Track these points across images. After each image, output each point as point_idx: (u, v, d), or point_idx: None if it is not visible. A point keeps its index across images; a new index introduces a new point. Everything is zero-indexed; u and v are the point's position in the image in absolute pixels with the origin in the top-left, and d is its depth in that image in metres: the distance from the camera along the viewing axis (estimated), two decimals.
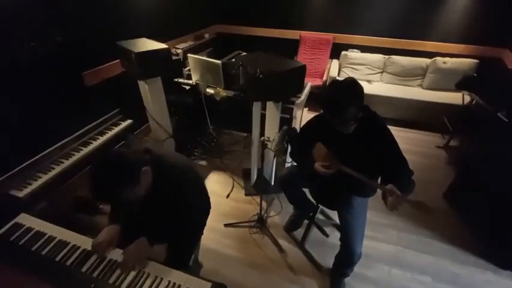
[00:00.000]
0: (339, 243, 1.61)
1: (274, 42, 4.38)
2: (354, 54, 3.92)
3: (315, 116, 1.62)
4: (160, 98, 2.44)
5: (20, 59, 1.82)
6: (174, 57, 2.90)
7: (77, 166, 1.95)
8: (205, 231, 1.43)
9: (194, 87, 2.67)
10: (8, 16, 1.72)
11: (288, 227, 2.20)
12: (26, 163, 1.72)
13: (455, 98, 3.31)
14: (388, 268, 1.93)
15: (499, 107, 2.50)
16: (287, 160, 2.41)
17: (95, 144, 2.06)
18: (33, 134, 1.89)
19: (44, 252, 1.14)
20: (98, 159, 1.03)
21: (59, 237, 1.20)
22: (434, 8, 3.56)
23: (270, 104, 2.11)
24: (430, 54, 3.70)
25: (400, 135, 3.36)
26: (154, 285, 1.04)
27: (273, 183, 2.51)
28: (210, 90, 2.61)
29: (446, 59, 3.57)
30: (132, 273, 1.08)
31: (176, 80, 2.76)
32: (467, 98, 3.12)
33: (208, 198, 1.41)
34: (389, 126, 1.43)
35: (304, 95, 2.42)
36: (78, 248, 1.16)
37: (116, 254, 1.15)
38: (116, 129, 2.24)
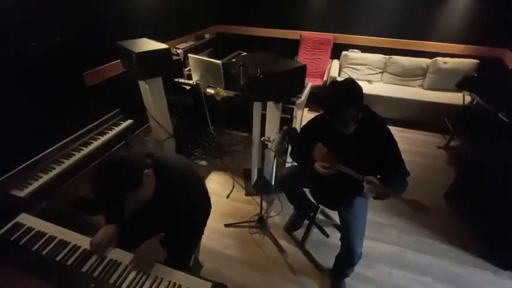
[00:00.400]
0: (339, 243, 1.61)
1: (274, 42, 4.39)
2: (354, 55, 3.92)
3: (315, 116, 1.62)
4: (160, 98, 2.44)
5: (21, 59, 1.82)
6: (174, 57, 2.90)
7: (77, 166, 1.95)
8: (205, 231, 1.42)
9: (195, 87, 2.67)
10: (8, 16, 1.73)
11: (288, 227, 2.19)
12: (27, 163, 1.72)
13: (455, 98, 3.31)
14: (388, 268, 1.93)
15: (499, 107, 2.50)
16: (287, 160, 2.41)
17: (95, 144, 2.06)
18: (34, 133, 1.88)
19: (44, 252, 1.14)
20: (100, 165, 1.03)
21: (60, 237, 1.20)
22: (435, 8, 3.56)
23: (270, 104, 2.11)
24: (430, 55, 3.70)
25: (401, 135, 3.36)
26: (154, 285, 1.04)
27: (273, 184, 2.51)
28: (210, 90, 2.61)
29: (447, 59, 3.57)
30: (133, 273, 1.08)
31: (177, 80, 2.76)
32: (467, 98, 3.11)
33: (209, 198, 1.41)
34: (389, 127, 1.43)
35: (304, 95, 2.42)
36: (79, 248, 1.16)
37: (116, 254, 1.15)
38: (117, 129, 2.24)
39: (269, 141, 1.88)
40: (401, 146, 1.40)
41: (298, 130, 1.81)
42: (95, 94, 2.42)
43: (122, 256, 1.15)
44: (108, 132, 2.19)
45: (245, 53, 3.07)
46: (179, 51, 3.34)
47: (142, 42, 2.22)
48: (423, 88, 3.76)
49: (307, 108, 3.02)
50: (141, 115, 2.59)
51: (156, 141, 2.71)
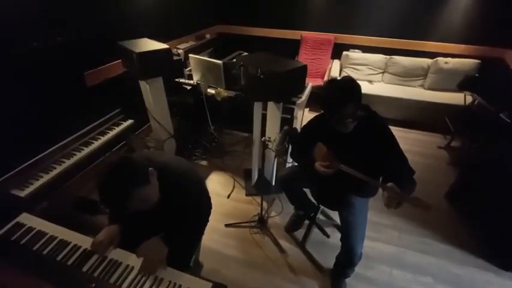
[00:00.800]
0: (340, 243, 1.61)
1: (275, 42, 4.38)
2: (355, 55, 3.92)
3: (315, 116, 1.62)
4: (161, 98, 2.45)
5: (22, 59, 1.83)
6: (175, 58, 2.90)
7: (78, 166, 1.96)
8: (206, 231, 1.43)
9: (195, 88, 2.67)
10: (9, 16, 1.73)
11: (288, 227, 2.19)
12: (28, 163, 1.72)
13: (457, 98, 3.30)
14: (389, 269, 1.92)
15: (500, 107, 2.49)
16: (288, 160, 2.41)
17: (96, 144, 2.06)
18: (35, 133, 1.89)
19: (45, 252, 1.14)
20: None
21: (60, 237, 1.20)
22: (436, 8, 3.56)
23: (271, 104, 2.11)
24: (431, 55, 3.69)
25: (402, 135, 3.36)
26: (154, 286, 1.04)
27: (273, 184, 2.51)
28: (211, 91, 2.61)
29: (448, 59, 3.56)
30: (133, 273, 1.08)
31: (177, 80, 2.76)
32: (469, 99, 3.11)
33: (210, 198, 1.41)
34: (390, 127, 1.43)
35: (305, 95, 2.42)
36: (79, 247, 1.16)
37: (117, 254, 1.15)
38: (117, 129, 2.24)
39: (270, 141, 1.88)
40: (402, 146, 1.40)
41: (299, 130, 1.81)
42: (95, 94, 2.42)
43: (122, 256, 1.15)
44: (108, 132, 2.20)
45: (246, 53, 3.07)
46: (180, 51, 3.34)
47: (143, 42, 2.23)
48: (424, 88, 3.75)
49: (308, 109, 3.02)
50: (141, 115, 2.59)
51: (156, 141, 2.71)
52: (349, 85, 1.31)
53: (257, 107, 2.19)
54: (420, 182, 1.32)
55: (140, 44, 2.16)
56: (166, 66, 2.21)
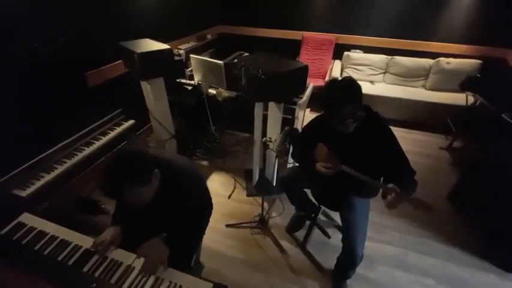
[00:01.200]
0: (341, 244, 1.60)
1: (276, 42, 4.38)
2: (356, 55, 3.92)
3: (316, 117, 1.62)
4: (162, 99, 2.45)
5: (24, 59, 1.83)
6: (176, 58, 2.90)
7: (79, 166, 1.96)
8: (206, 231, 1.42)
9: (196, 88, 2.67)
10: (11, 17, 1.74)
11: (289, 228, 2.19)
12: (29, 163, 1.73)
13: (458, 98, 3.29)
14: (390, 270, 1.92)
15: (503, 108, 2.48)
16: (289, 161, 2.41)
17: (97, 144, 2.07)
18: (36, 134, 1.90)
19: (46, 252, 1.14)
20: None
21: (61, 236, 1.21)
22: (438, 8, 3.55)
23: (272, 105, 2.10)
24: (433, 55, 3.68)
25: (403, 136, 3.35)
26: (155, 286, 1.04)
27: (274, 184, 2.50)
28: (212, 91, 2.61)
29: (450, 59, 3.55)
30: (133, 274, 1.08)
31: (178, 80, 2.77)
32: (471, 99, 3.09)
33: (211, 198, 1.41)
34: (392, 127, 1.43)
35: (306, 96, 2.41)
36: (80, 247, 1.17)
37: (117, 255, 1.15)
38: (119, 130, 2.25)
39: (271, 141, 1.88)
40: (403, 146, 1.39)
41: (300, 131, 1.81)
42: (97, 94, 2.42)
43: (123, 256, 1.15)
44: (110, 133, 2.20)
45: (247, 54, 3.06)
46: (181, 51, 3.35)
47: (145, 43, 2.23)
48: (426, 89, 3.74)
49: (309, 109, 3.01)
50: (142, 115, 2.59)
51: (157, 142, 2.71)
52: (350, 85, 1.31)
53: (258, 108, 2.19)
54: (421, 183, 1.32)
55: (141, 45, 2.17)
56: (167, 67, 2.22)
